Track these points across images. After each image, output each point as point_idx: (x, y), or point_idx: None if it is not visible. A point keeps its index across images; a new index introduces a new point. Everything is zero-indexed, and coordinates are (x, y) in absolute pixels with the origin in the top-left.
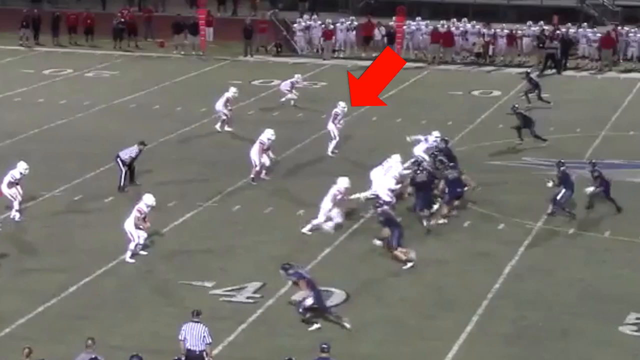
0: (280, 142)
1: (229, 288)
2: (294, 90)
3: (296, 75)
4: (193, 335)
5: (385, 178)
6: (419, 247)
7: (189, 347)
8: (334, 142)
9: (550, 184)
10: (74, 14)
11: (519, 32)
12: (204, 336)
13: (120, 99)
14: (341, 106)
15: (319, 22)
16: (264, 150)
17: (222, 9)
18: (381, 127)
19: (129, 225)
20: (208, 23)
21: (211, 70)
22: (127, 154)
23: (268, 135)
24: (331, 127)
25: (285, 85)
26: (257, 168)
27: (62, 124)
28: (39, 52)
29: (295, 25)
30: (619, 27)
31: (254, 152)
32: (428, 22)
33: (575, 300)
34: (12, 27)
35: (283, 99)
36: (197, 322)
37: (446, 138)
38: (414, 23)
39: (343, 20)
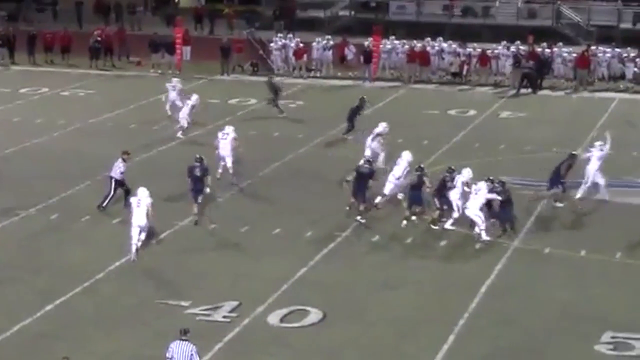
0: (257, 161)
1: (205, 307)
2: (175, 93)
3: (174, 80)
4: (181, 353)
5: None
6: (397, 266)
7: None
8: (382, 156)
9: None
10: (50, 33)
11: (495, 51)
12: (192, 354)
13: (97, 117)
14: (383, 126)
15: (295, 41)
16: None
17: (199, 27)
18: (359, 145)
19: (142, 219)
20: (185, 42)
21: (188, 90)
22: (116, 169)
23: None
24: (373, 145)
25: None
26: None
27: (38, 142)
28: (14, 70)
29: (271, 44)
30: (592, 47)
31: (229, 149)
32: (404, 41)
33: (551, 319)
34: None
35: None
36: (186, 340)
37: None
38: (389, 42)
39: (319, 39)
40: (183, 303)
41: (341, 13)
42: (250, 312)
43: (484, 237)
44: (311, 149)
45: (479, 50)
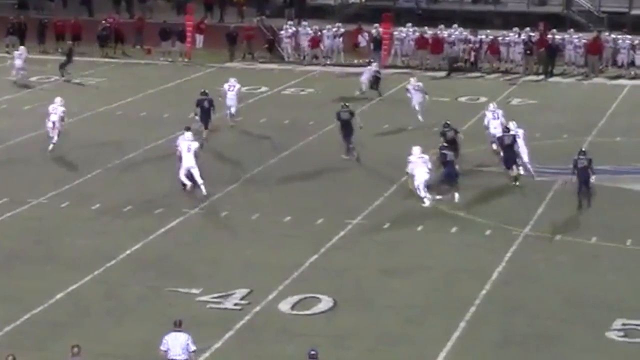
0: (268, 148)
1: (216, 295)
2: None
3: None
4: (176, 343)
5: None
6: (407, 254)
7: (172, 357)
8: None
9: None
10: (61, 21)
11: (506, 39)
12: (188, 344)
13: (107, 106)
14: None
15: (308, 29)
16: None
17: (209, 15)
18: (369, 133)
19: (192, 161)
20: (200, 30)
21: (198, 77)
22: (192, 146)
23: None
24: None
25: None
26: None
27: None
28: (25, 59)
29: (282, 32)
30: (606, 34)
31: (235, 99)
32: (416, 28)
33: (562, 306)
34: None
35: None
36: (180, 331)
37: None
38: (404, 30)
39: (329, 27)
40: (194, 291)
41: (352, 0)
42: (261, 299)
43: (427, 203)
44: (322, 137)
45: (491, 37)
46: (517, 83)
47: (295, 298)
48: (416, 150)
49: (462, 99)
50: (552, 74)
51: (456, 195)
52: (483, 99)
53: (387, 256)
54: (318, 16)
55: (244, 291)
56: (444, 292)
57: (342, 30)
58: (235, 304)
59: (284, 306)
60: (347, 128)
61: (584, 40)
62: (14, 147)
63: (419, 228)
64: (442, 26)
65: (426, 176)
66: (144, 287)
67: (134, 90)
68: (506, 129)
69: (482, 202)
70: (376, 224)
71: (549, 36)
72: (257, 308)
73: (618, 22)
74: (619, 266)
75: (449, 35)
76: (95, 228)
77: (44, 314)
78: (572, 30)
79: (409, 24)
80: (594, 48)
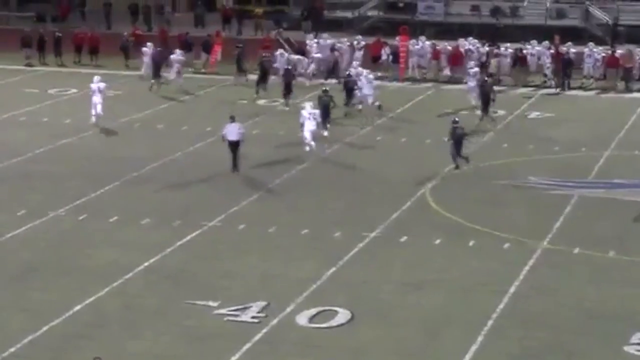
0: (285, 160)
1: (234, 307)
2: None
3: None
4: None
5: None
6: (425, 267)
7: None
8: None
9: None
10: (81, 34)
11: (524, 51)
12: None
13: (125, 118)
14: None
15: (329, 42)
16: None
17: (226, 28)
18: (386, 146)
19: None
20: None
21: (216, 90)
22: (233, 133)
23: None
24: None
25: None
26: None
27: (67, 143)
28: (43, 71)
29: (308, 44)
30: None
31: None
32: (434, 41)
33: (580, 320)
34: (17, 46)
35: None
36: None
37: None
38: (422, 41)
39: (345, 39)
40: (211, 303)
41: (369, 13)
42: (278, 312)
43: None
44: (339, 149)
45: (510, 50)
46: (535, 96)
47: (313, 311)
48: (307, 106)
49: (479, 112)
50: (569, 87)
51: (325, 132)
52: (501, 112)
53: (405, 269)
54: (335, 29)
55: (262, 304)
56: (461, 306)
57: (363, 43)
58: (253, 317)
59: (302, 319)
60: (288, 77)
61: (602, 54)
62: (32, 159)
63: (437, 241)
64: (462, 39)
65: (312, 127)
66: (162, 299)
67: (152, 103)
68: (349, 75)
69: (499, 215)
70: (394, 237)
71: (564, 49)
72: (275, 321)
73: (636, 35)
74: (637, 280)
75: (465, 47)
76: (112, 241)
77: (62, 326)
78: (591, 43)
79: (423, 37)
80: (613, 61)
